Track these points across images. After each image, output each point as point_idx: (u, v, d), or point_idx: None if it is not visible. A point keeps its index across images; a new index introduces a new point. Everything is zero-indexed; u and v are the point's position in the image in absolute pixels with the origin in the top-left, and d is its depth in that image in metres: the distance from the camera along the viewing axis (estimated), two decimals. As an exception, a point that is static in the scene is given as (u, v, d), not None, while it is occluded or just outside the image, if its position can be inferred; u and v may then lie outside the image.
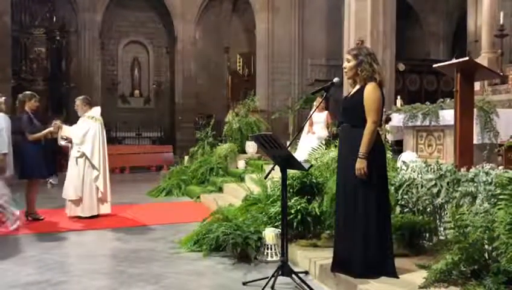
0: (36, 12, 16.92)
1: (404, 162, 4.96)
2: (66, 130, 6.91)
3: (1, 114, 6.12)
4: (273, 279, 3.74)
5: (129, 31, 19.77)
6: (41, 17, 17.00)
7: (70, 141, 6.89)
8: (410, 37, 15.64)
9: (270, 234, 4.67)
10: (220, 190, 8.67)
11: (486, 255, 3.23)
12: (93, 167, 6.84)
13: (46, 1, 17.21)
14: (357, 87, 3.71)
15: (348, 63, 3.73)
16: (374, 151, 3.55)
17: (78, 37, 17.95)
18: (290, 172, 4.60)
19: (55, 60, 17.30)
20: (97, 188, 6.86)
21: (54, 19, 17.29)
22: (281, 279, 3.79)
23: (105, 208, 7.02)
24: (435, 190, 4.25)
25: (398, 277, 3.57)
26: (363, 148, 3.52)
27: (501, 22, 7.42)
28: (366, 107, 3.56)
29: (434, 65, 5.11)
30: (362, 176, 3.52)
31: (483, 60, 6.90)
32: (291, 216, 4.62)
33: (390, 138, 6.44)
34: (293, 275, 3.80)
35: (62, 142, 7.00)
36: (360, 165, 3.51)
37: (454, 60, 4.82)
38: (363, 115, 3.57)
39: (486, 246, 3.21)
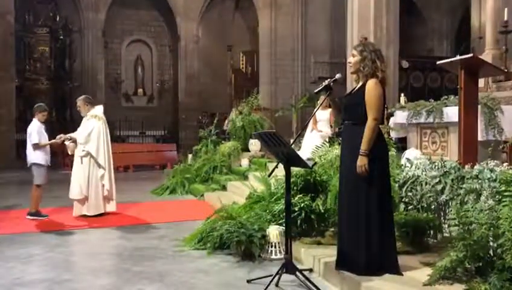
0: (40, 11, 16.97)
1: (408, 160, 4.95)
2: (73, 135, 7.01)
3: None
4: (277, 277, 3.75)
5: (132, 29, 19.81)
6: (45, 16, 17.05)
7: (75, 141, 6.91)
8: (413, 34, 15.59)
9: (274, 232, 4.68)
10: (224, 188, 8.68)
11: (491, 252, 3.22)
12: (99, 165, 6.86)
13: (50, 0, 17.25)
14: (359, 84, 3.71)
15: (352, 58, 3.73)
16: (375, 149, 3.55)
17: (82, 36, 18.00)
18: (294, 170, 4.60)
19: (59, 59, 17.37)
20: (103, 187, 6.88)
21: (58, 18, 17.34)
22: (285, 277, 3.79)
23: (111, 206, 7.04)
24: (439, 187, 4.25)
25: (402, 274, 3.57)
26: (364, 146, 3.52)
27: (505, 18, 7.38)
28: (367, 103, 3.56)
29: (438, 62, 5.09)
30: (363, 173, 3.52)
31: (487, 56, 6.87)
32: (295, 214, 4.62)
33: (394, 135, 6.42)
34: (298, 273, 3.80)
35: (67, 142, 7.03)
36: (361, 162, 3.51)
37: (458, 57, 4.81)
38: (364, 112, 3.56)
39: (491, 243, 3.20)
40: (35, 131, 6.69)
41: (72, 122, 14.11)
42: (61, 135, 7.05)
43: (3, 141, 13.96)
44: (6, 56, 14.38)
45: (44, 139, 6.78)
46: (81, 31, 17.94)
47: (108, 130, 7.18)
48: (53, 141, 6.89)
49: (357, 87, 3.74)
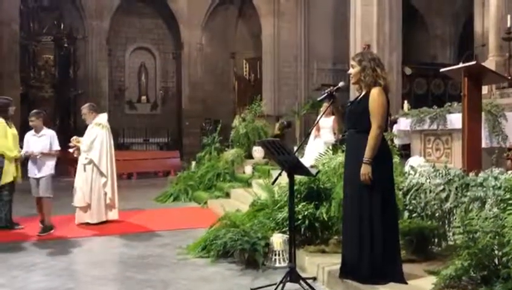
0: (44, 19, 17.08)
1: (412, 167, 4.94)
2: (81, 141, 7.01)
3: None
4: (281, 285, 3.73)
5: (136, 37, 19.89)
6: (49, 24, 17.16)
7: (78, 148, 6.93)
8: (416, 41, 15.59)
9: (277, 240, 4.66)
10: (227, 195, 8.67)
11: (496, 260, 3.20)
12: (101, 173, 6.87)
13: (54, 9, 17.38)
14: (363, 93, 3.71)
15: (352, 69, 3.74)
16: (379, 157, 3.54)
17: (86, 44, 18.09)
18: (297, 177, 4.59)
19: (63, 67, 17.46)
20: (105, 195, 6.89)
21: (62, 26, 17.45)
22: (289, 285, 3.77)
23: (113, 214, 7.04)
24: (443, 195, 4.23)
25: (406, 283, 3.55)
26: (367, 153, 3.51)
27: (508, 24, 7.37)
28: (371, 112, 3.56)
29: (441, 70, 5.09)
30: (367, 181, 3.51)
31: (490, 63, 6.86)
32: (299, 222, 4.61)
33: (397, 142, 6.41)
34: (301, 281, 3.79)
35: (70, 150, 7.06)
36: (365, 170, 3.51)
37: (461, 64, 4.81)
38: (368, 120, 3.56)
39: (496, 252, 3.18)
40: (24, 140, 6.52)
41: (75, 130, 14.15)
42: (75, 137, 7.02)
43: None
44: (11, 64, 14.48)
45: (33, 148, 6.38)
46: (85, 39, 18.04)
47: (112, 138, 7.20)
48: (25, 153, 6.38)
49: (360, 96, 3.73)
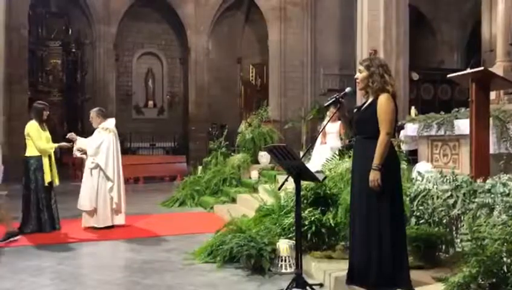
0: (52, 25, 17.23)
1: (419, 173, 4.91)
2: (80, 142, 7.02)
3: None
4: (287, 291, 3.72)
5: (143, 42, 20.01)
6: (58, 29, 17.31)
7: (85, 153, 6.97)
8: (424, 46, 15.54)
9: (284, 246, 4.65)
10: (233, 200, 8.66)
11: (504, 268, 3.16)
12: (108, 178, 6.89)
13: (62, 14, 17.54)
14: (370, 99, 3.69)
15: (360, 74, 3.72)
16: (387, 162, 3.52)
17: (93, 49, 18.21)
18: (304, 183, 4.57)
19: (71, 72, 17.59)
20: (111, 199, 6.91)
21: (70, 32, 17.60)
22: (296, 291, 3.76)
23: (120, 219, 7.04)
24: (450, 201, 4.20)
25: (414, 290, 3.53)
26: (376, 160, 3.49)
27: (516, 30, 7.33)
28: (380, 118, 3.54)
29: (448, 75, 5.07)
30: (376, 187, 3.49)
31: (498, 69, 6.81)
32: (306, 227, 4.59)
33: (404, 148, 6.37)
34: (308, 288, 3.77)
35: (78, 154, 7.09)
36: (374, 176, 3.49)
37: (469, 70, 4.78)
38: (376, 126, 3.54)
39: (504, 259, 3.15)
40: None
41: (83, 134, 14.22)
42: (72, 134, 7.12)
43: (15, 153, 14.10)
44: (20, 69, 14.59)
45: None
46: (92, 44, 18.17)
47: (119, 143, 7.22)
48: None
49: (368, 102, 3.72)
